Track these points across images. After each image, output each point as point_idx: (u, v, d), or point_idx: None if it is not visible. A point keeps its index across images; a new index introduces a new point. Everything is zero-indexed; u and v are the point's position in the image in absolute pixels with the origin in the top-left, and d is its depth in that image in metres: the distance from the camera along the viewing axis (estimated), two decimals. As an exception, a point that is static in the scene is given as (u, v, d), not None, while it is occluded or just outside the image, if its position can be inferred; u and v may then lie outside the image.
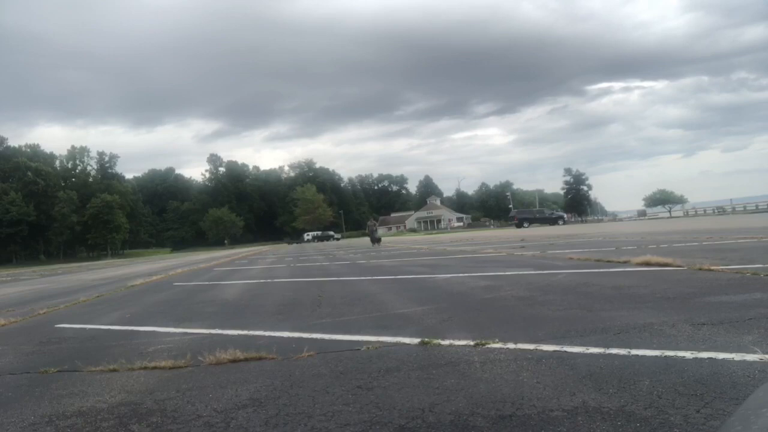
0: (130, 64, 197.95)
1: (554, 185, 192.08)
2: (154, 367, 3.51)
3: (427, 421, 2.21)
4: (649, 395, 2.29)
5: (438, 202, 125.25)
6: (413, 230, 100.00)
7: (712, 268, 6.26)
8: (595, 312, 4.28)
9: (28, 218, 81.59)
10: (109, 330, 5.46)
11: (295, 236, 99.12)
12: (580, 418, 2.10)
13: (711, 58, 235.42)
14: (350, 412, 2.40)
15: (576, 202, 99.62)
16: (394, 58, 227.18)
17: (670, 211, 77.32)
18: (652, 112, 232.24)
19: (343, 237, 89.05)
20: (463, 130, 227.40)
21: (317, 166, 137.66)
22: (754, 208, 56.46)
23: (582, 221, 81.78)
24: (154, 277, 13.85)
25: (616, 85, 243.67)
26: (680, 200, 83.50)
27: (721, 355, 2.78)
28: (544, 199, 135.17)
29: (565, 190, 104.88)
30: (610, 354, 2.99)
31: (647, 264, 7.22)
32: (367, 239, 35.88)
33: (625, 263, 7.70)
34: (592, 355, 3.02)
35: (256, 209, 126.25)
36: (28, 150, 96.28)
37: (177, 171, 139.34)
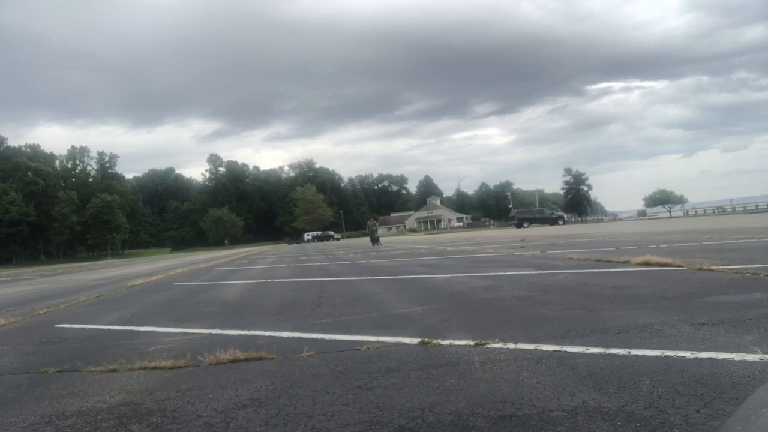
0: (130, 64, 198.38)
1: (554, 185, 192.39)
2: (154, 367, 3.51)
3: (427, 421, 2.21)
4: (649, 395, 2.29)
5: (438, 202, 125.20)
6: (413, 230, 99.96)
7: (712, 268, 6.26)
8: (595, 312, 4.28)
9: (28, 218, 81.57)
10: (109, 330, 5.46)
11: (295, 236, 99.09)
12: (580, 418, 2.10)
13: (711, 58, 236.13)
14: (350, 412, 2.40)
15: (576, 202, 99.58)
16: (394, 58, 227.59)
17: (670, 211, 77.33)
18: (652, 112, 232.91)
19: (343, 237, 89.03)
20: (463, 130, 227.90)
21: (317, 166, 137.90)
22: (754, 208, 56.49)
23: (582, 221, 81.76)
24: (154, 277, 13.85)
25: (616, 85, 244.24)
26: (680, 200, 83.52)
27: (721, 355, 2.78)
28: (544, 199, 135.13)
29: (565, 190, 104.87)
30: (610, 354, 2.99)
31: (647, 264, 7.22)
32: (367, 239, 35.91)
33: (625, 263, 7.70)
34: (592, 355, 3.01)
35: (256, 209, 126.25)
36: (28, 150, 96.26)
37: (177, 171, 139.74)
